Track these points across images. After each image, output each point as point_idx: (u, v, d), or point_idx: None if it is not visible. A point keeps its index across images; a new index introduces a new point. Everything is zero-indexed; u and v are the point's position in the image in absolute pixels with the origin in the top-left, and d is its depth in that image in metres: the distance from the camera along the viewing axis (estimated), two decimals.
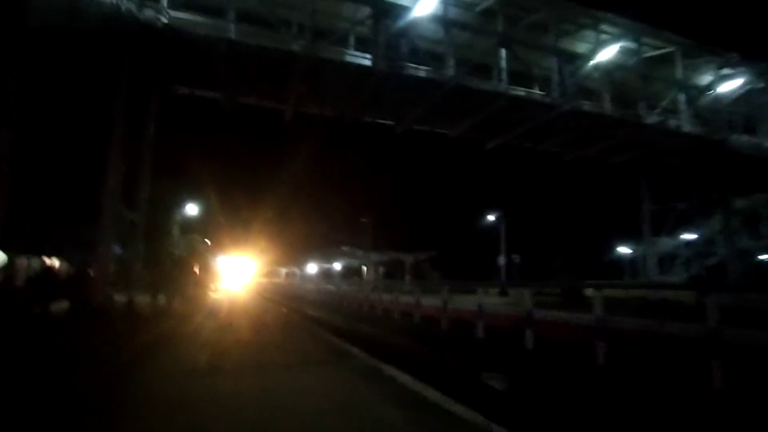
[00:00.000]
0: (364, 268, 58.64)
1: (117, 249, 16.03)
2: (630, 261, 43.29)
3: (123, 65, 11.95)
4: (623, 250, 42.61)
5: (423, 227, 48.06)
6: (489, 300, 21.89)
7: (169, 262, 24.32)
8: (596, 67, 17.06)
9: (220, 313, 15.80)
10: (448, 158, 33.44)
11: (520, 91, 16.08)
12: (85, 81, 13.47)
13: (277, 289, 48.41)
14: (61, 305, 11.64)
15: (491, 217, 37.34)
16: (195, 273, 23.74)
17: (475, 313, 13.06)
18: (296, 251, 61.78)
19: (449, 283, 20.42)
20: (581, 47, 17.65)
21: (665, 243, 37.80)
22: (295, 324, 13.36)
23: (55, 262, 21.01)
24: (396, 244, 54.00)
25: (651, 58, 19.09)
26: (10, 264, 14.87)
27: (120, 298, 13.86)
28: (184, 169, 24.88)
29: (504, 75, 15.60)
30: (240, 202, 43.57)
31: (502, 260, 36.80)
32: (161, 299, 19.02)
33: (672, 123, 18.50)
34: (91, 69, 13.03)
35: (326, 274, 65.17)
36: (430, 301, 17.37)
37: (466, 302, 16.39)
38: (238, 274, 53.74)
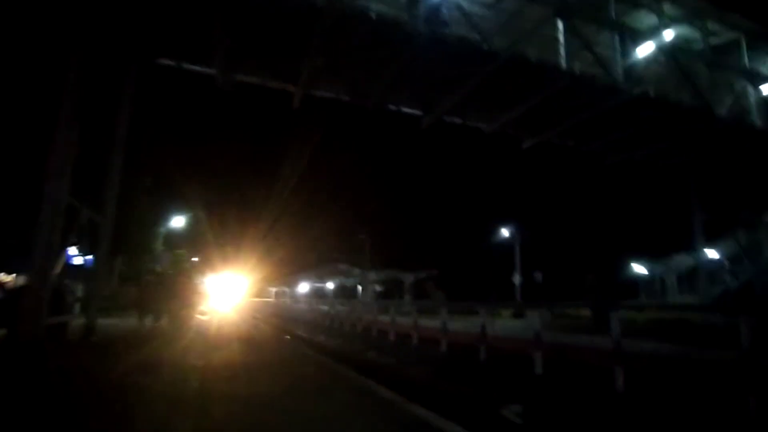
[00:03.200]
0: (360, 288, 55.48)
1: (85, 261, 12.79)
2: (647, 280, 40.63)
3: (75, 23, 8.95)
4: (638, 267, 39.99)
5: (425, 244, 45.08)
6: (503, 323, 19.16)
7: (151, 280, 21.25)
8: (660, 48, 14.46)
9: (205, 340, 12.61)
10: (456, 166, 30.74)
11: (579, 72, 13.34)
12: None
13: (269, 310, 44.81)
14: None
15: (506, 232, 34.49)
16: (180, 292, 20.50)
17: (530, 342, 10.22)
18: (289, 269, 58.40)
19: (452, 305, 17.61)
20: (642, 24, 15.08)
21: (683, 259, 35.36)
22: (297, 354, 10.37)
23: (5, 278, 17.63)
24: (395, 262, 51.13)
25: (717, 46, 16.73)
26: None
27: (80, 321, 10.71)
28: (166, 172, 21.75)
29: (562, 51, 12.89)
30: (229, 215, 40.28)
31: (517, 278, 33.86)
32: (147, 321, 16.14)
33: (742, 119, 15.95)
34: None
35: (319, 294, 61.71)
36: (457, 326, 14.43)
37: (495, 327, 13.59)
38: (228, 294, 50.10)
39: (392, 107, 14.54)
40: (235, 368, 7.95)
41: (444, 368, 11.06)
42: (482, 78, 12.42)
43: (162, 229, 27.56)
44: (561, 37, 13.09)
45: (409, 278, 50.79)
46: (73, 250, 12.98)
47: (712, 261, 28.48)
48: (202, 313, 30.56)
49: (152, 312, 17.13)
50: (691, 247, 29.92)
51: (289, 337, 16.80)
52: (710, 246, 27.08)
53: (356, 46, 11.46)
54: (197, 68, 12.63)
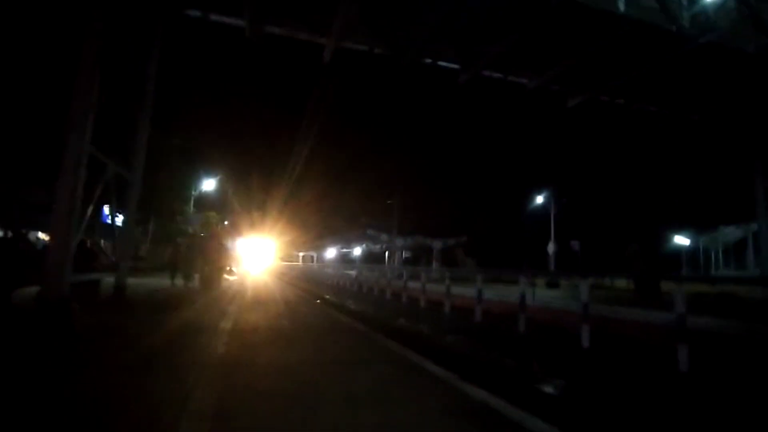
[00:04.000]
0: (387, 254, 55.35)
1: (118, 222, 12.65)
2: (689, 252, 38.80)
3: None
4: (680, 239, 38.15)
5: (455, 209, 44.06)
6: (538, 293, 18.53)
7: (183, 241, 21.50)
8: None
9: (236, 302, 12.44)
10: (489, 127, 29.44)
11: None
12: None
13: (297, 274, 45.25)
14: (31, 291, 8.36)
15: (541, 198, 33.31)
16: (211, 253, 20.71)
17: (576, 315, 9.65)
18: (316, 233, 58.62)
19: (486, 272, 17.18)
20: None
21: (730, 231, 33.51)
22: (329, 320, 10.10)
23: (40, 235, 17.87)
24: (423, 228, 50.47)
25: None
26: None
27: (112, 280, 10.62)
28: (195, 133, 21.46)
29: None
30: (257, 179, 40.15)
31: (551, 247, 32.85)
32: (179, 281, 16.48)
33: None
34: None
35: (346, 259, 61.96)
36: (490, 295, 13.84)
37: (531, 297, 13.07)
38: (256, 257, 50.76)
39: (428, 61, 13.60)
40: (266, 333, 7.61)
41: (481, 338, 10.58)
42: (529, 26, 11.36)
43: (193, 192, 27.66)
44: None
45: (437, 245, 50.26)
46: (105, 210, 12.84)
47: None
48: (233, 275, 30.91)
49: (184, 272, 17.31)
50: (741, 218, 28.23)
51: (318, 301, 16.59)
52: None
53: None
54: (226, 19, 11.96)
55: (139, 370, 4.55)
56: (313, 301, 15.70)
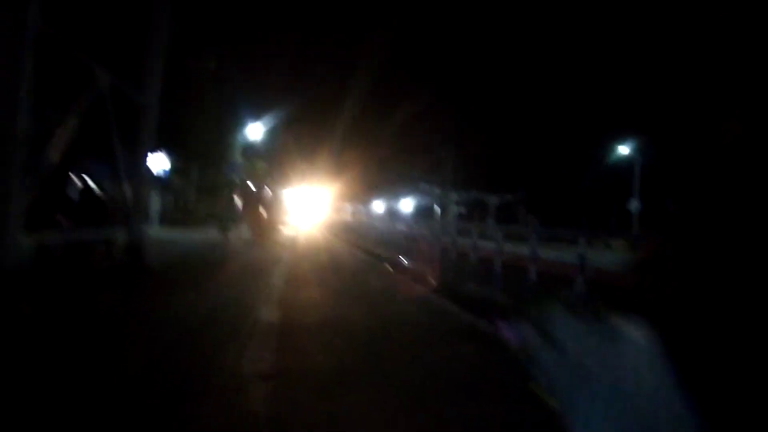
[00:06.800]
0: (440, 209, 52.07)
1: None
2: None
3: None
4: None
5: (515, 161, 39.81)
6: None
7: (226, 191, 19.49)
8: None
9: (292, 264, 9.93)
10: (560, 56, 24.64)
11: None
12: None
13: (350, 229, 43.00)
14: None
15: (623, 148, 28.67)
16: (266, 205, 19.04)
17: None
18: (367, 186, 56.02)
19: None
20: None
21: None
22: (410, 298, 7.66)
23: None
24: (478, 181, 46.67)
25: None
26: None
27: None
28: (237, 58, 18.39)
29: None
30: (304, 125, 37.07)
31: (634, 205, 28.69)
32: (230, 234, 14.68)
33: None
34: None
35: (399, 214, 59.40)
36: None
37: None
38: (308, 209, 48.80)
39: None
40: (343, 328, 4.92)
41: None
42: None
43: (238, 138, 25.17)
44: None
45: (493, 201, 46.74)
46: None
47: None
48: (285, 229, 28.84)
49: (232, 224, 15.70)
50: None
51: (388, 265, 13.93)
52: None
53: None
54: None
55: None
56: (379, 265, 13.02)
